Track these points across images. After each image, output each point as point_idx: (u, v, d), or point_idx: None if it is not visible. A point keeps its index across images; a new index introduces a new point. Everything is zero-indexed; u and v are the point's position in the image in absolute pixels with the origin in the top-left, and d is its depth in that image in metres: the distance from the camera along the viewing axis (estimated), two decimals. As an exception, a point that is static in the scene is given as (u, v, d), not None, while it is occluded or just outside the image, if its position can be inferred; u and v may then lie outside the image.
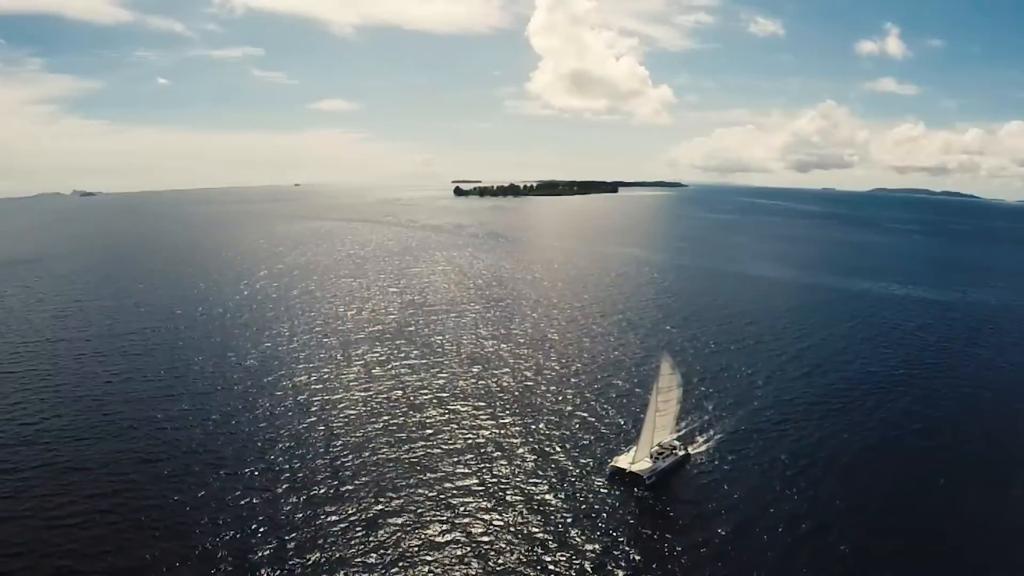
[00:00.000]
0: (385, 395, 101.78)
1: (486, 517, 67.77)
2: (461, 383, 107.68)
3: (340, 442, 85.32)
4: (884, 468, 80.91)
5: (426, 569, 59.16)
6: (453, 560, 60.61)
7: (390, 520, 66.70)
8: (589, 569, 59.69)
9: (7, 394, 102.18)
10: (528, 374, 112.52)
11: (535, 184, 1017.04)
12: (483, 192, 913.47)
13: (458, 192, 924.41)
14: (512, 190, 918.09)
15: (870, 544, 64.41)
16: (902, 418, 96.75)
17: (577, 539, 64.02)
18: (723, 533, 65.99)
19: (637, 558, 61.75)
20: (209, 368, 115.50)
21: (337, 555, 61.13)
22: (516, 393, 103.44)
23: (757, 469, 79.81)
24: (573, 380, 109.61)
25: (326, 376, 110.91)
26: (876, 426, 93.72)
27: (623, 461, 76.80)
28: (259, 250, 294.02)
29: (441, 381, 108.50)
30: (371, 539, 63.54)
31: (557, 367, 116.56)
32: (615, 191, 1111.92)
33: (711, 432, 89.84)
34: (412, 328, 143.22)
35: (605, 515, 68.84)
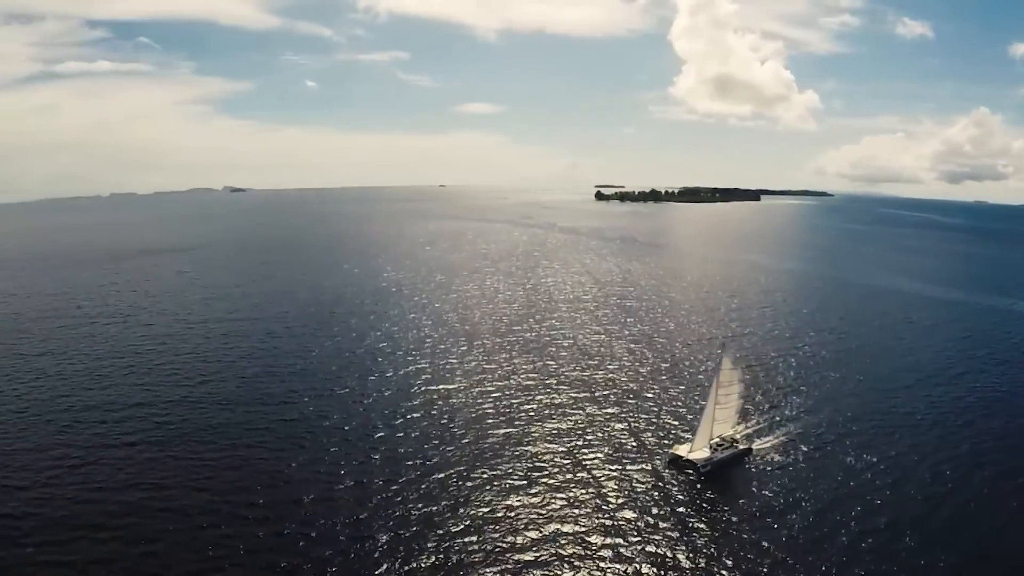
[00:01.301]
0: (497, 381, 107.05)
1: (561, 488, 72.81)
2: (567, 373, 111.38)
3: (448, 419, 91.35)
4: (967, 489, 74.34)
5: (504, 527, 64.88)
6: (527, 522, 65.83)
7: (481, 485, 72.70)
8: (631, 539, 63.18)
9: (164, 363, 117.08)
10: (629, 369, 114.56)
11: (677, 190, 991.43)
12: (624, 197, 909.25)
13: (599, 197, 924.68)
14: (653, 196, 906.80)
15: (934, 564, 60.11)
16: (996, 439, 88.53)
17: (629, 515, 67.34)
18: (770, 527, 65.45)
19: (680, 537, 63.86)
20: (342, 350, 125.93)
21: (432, 506, 68.42)
22: (614, 385, 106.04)
23: (824, 472, 77.05)
24: (670, 376, 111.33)
25: (448, 361, 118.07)
26: (967, 442, 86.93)
27: (682, 449, 78.93)
28: (402, 246, 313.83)
29: (549, 370, 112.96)
30: (461, 497, 70.29)
31: (659, 363, 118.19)
32: (758, 199, 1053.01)
33: (784, 431, 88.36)
34: (533, 322, 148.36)
35: (658, 497, 71.34)
